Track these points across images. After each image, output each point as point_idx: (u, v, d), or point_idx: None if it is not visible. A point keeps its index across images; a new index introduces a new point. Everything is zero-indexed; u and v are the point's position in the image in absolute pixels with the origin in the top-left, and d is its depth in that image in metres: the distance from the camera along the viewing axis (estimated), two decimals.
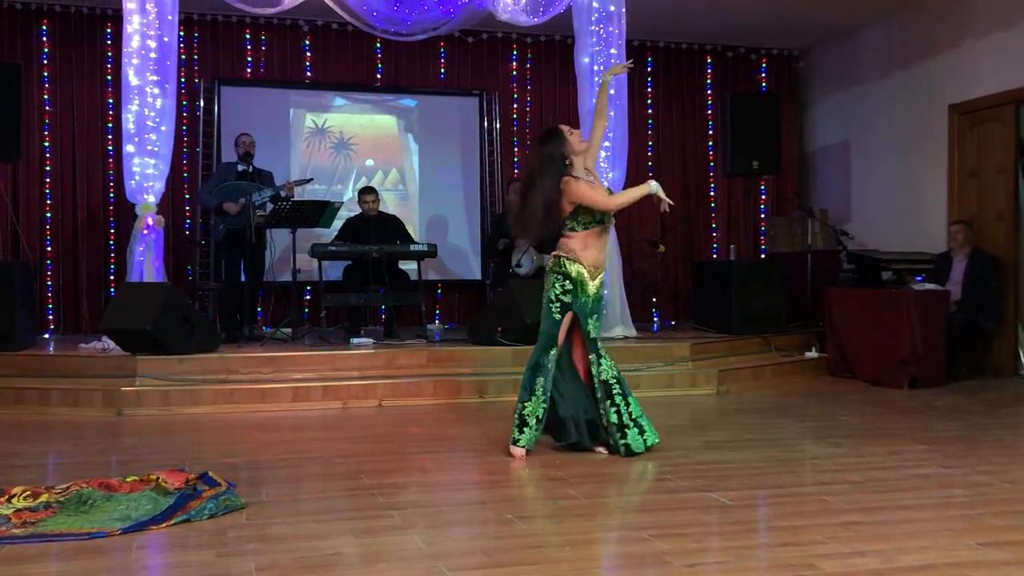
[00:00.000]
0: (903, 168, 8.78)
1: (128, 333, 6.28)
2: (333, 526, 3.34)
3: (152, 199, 6.83)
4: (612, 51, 7.40)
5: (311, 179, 8.17)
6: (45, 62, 8.50)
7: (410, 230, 8.42)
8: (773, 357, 7.61)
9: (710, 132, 10.07)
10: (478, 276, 9.45)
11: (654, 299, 9.44)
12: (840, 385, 7.23)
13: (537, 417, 4.48)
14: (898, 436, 5.06)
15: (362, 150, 9.29)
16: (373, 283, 7.52)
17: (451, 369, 6.61)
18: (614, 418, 4.50)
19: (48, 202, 8.51)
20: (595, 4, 7.37)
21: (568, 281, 4.47)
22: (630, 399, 4.54)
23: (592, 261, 4.51)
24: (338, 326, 8.55)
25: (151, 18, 6.68)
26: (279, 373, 6.34)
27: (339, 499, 3.77)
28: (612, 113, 7.05)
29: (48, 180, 8.51)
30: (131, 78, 6.70)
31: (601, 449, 4.58)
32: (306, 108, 9.20)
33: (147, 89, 6.70)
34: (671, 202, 4.56)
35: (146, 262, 6.79)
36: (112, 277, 8.59)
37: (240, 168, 7.51)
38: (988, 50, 7.79)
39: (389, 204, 9.02)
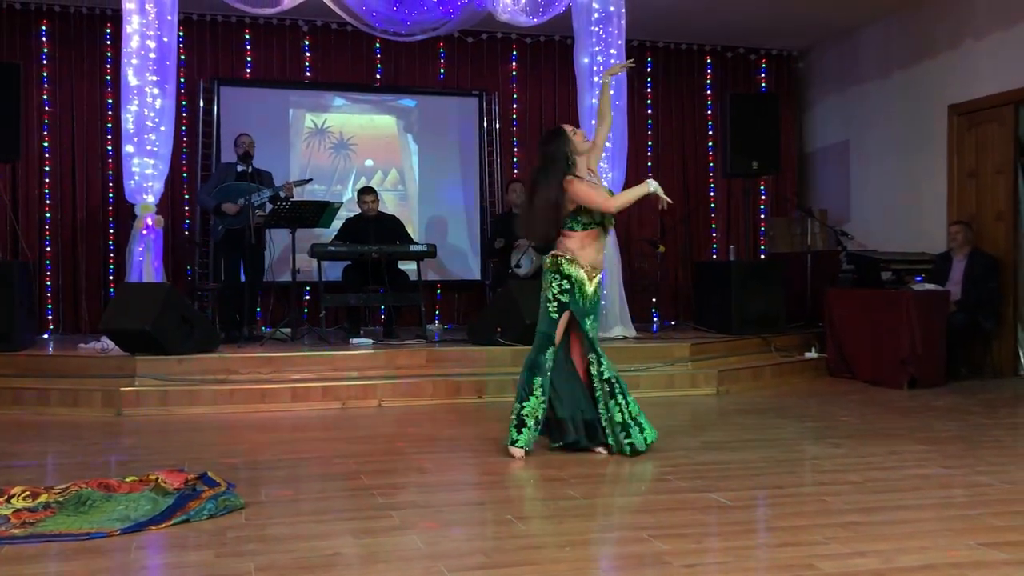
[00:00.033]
0: (903, 168, 8.78)
1: (127, 333, 6.28)
2: (332, 526, 3.34)
3: (151, 199, 6.83)
4: (612, 51, 7.40)
5: (310, 179, 8.17)
6: (44, 62, 8.50)
7: (409, 230, 8.42)
8: (773, 357, 7.61)
9: (710, 132, 10.07)
10: (477, 276, 9.44)
11: (654, 299, 9.44)
12: (840, 385, 7.23)
13: (536, 418, 4.48)
14: (898, 436, 5.06)
15: (361, 150, 9.29)
16: (372, 283, 7.52)
17: (451, 369, 6.61)
18: (619, 417, 4.50)
19: (48, 202, 8.51)
20: (595, 4, 7.37)
21: (566, 281, 4.47)
22: (629, 398, 4.56)
23: (590, 261, 4.51)
24: (337, 326, 8.55)
25: (150, 18, 6.68)
26: (278, 373, 6.34)
27: (338, 499, 3.77)
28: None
29: (48, 180, 8.51)
30: (130, 78, 6.70)
31: (600, 449, 4.58)
32: (305, 108, 9.20)
33: (146, 89, 6.70)
34: (669, 200, 4.55)
35: (145, 262, 6.79)
36: (111, 277, 8.59)
37: (239, 168, 7.51)
38: (988, 50, 7.79)
39: (388, 204, 9.02)
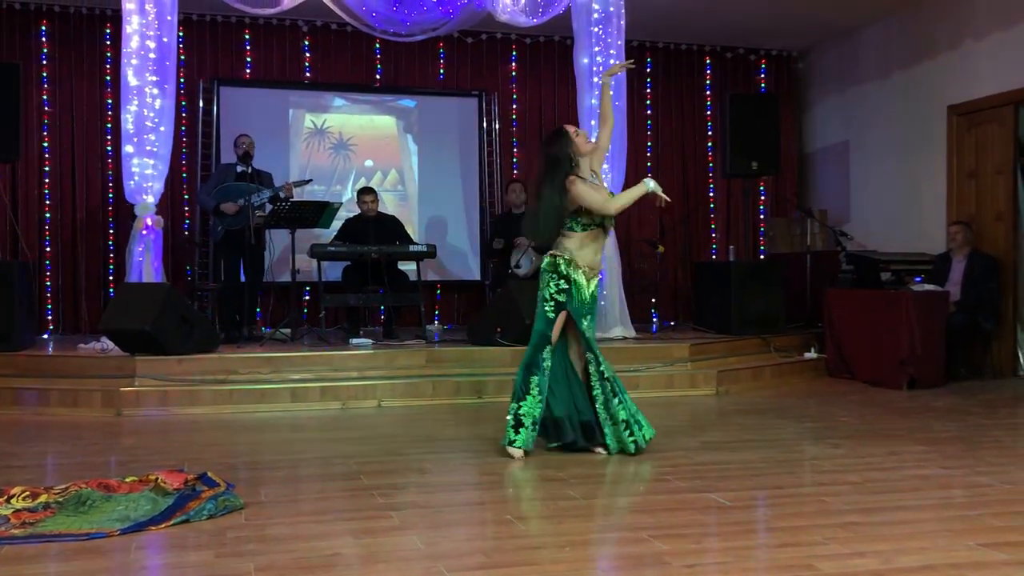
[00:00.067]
0: (902, 169, 8.79)
1: (127, 333, 6.28)
2: (332, 527, 3.34)
3: (151, 199, 6.83)
4: (611, 52, 7.40)
5: (310, 180, 8.17)
6: (44, 63, 8.50)
7: (409, 231, 8.42)
8: (772, 358, 7.61)
9: (709, 133, 10.07)
10: (477, 277, 9.45)
11: (653, 300, 9.45)
12: (839, 386, 7.23)
13: (534, 417, 4.47)
14: (897, 437, 5.06)
15: (361, 151, 9.29)
16: (372, 284, 7.52)
17: (450, 370, 6.61)
18: (623, 415, 4.52)
19: (47, 202, 8.51)
20: (594, 5, 7.37)
21: (563, 281, 4.48)
22: (626, 396, 4.59)
23: (588, 262, 4.52)
24: (337, 327, 8.55)
25: (150, 18, 6.68)
26: (278, 373, 6.34)
27: (338, 500, 3.77)
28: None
29: (47, 180, 8.51)
30: (130, 78, 6.70)
31: (599, 449, 4.58)
32: (305, 109, 9.20)
33: (146, 89, 6.70)
34: (667, 198, 4.56)
35: (145, 262, 6.79)
36: (111, 277, 8.59)
37: (239, 169, 7.50)
38: (987, 51, 7.79)
39: (388, 205, 9.02)
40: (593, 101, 7.36)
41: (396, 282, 7.70)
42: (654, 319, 9.15)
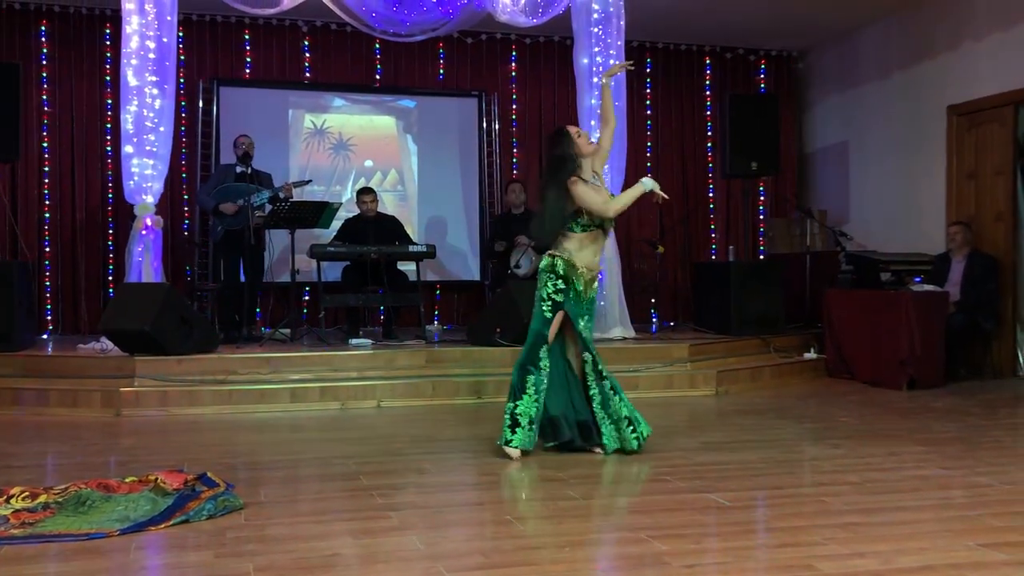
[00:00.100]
0: (902, 169, 8.79)
1: (127, 333, 6.28)
2: (331, 527, 3.34)
3: (151, 200, 6.83)
4: (611, 52, 7.40)
5: (310, 180, 8.17)
6: (44, 63, 8.50)
7: (409, 231, 8.42)
8: (772, 358, 7.61)
9: (709, 133, 10.07)
10: (477, 277, 9.45)
11: (653, 300, 9.44)
12: (839, 386, 7.23)
13: (530, 417, 4.47)
14: (897, 437, 5.06)
15: (361, 151, 9.29)
16: (372, 284, 7.52)
17: (450, 370, 6.61)
18: (624, 411, 4.55)
19: (47, 202, 8.51)
20: (594, 5, 7.37)
21: (561, 281, 4.49)
22: (623, 395, 4.62)
23: (586, 263, 4.52)
24: (337, 327, 8.55)
25: (150, 19, 6.68)
26: (277, 374, 6.34)
27: (337, 500, 3.77)
28: None
29: (47, 180, 8.51)
30: (130, 78, 6.70)
31: (597, 449, 4.58)
32: (305, 109, 9.20)
33: (146, 90, 6.70)
34: (666, 196, 4.59)
35: (145, 263, 6.79)
36: (111, 278, 8.59)
37: (239, 170, 7.50)
38: (987, 51, 7.80)
39: (388, 205, 9.02)
40: (593, 101, 7.37)
41: (396, 282, 7.70)
42: (654, 319, 9.15)
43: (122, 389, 5.92)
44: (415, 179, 9.43)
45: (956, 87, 8.09)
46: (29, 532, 3.20)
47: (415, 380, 6.43)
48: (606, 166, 7.16)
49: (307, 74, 9.17)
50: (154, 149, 6.77)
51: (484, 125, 9.52)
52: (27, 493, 3.57)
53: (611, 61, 7.28)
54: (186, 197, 8.81)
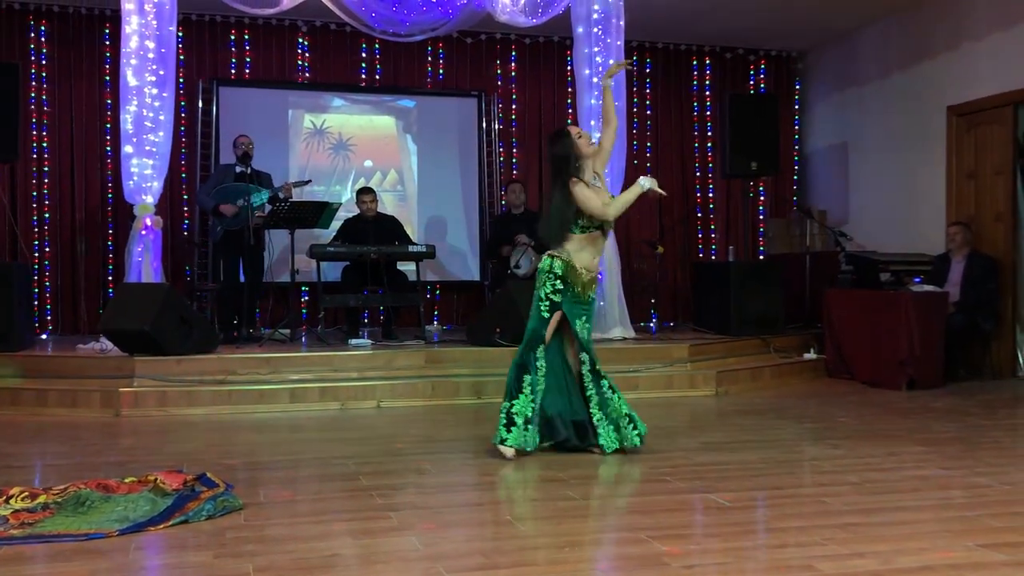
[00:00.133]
0: (901, 169, 8.79)
1: (126, 334, 6.28)
2: (331, 527, 3.34)
3: (150, 200, 6.83)
4: (611, 52, 7.39)
5: (309, 180, 8.17)
6: (44, 62, 8.49)
7: (408, 231, 8.42)
8: (772, 358, 7.61)
9: (709, 133, 10.07)
10: (476, 277, 9.44)
11: (653, 300, 9.44)
12: (838, 386, 7.23)
13: (526, 416, 4.47)
14: (896, 437, 5.06)
15: (360, 151, 9.28)
16: (372, 284, 7.52)
17: (449, 370, 6.61)
18: (624, 408, 4.57)
19: (47, 202, 8.50)
20: (594, 5, 7.37)
21: (559, 281, 4.50)
22: (619, 394, 4.64)
23: (585, 264, 4.53)
24: (336, 327, 8.55)
25: (149, 19, 6.68)
26: (277, 374, 6.33)
27: (337, 500, 3.77)
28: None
29: (47, 181, 8.50)
30: (129, 78, 6.69)
31: (596, 449, 4.58)
32: (304, 109, 9.20)
33: (145, 90, 6.70)
34: (663, 192, 4.62)
35: (144, 263, 6.79)
36: (110, 278, 8.58)
37: (238, 170, 7.49)
38: (987, 52, 7.79)
39: (387, 205, 9.02)
40: (593, 102, 7.37)
41: (395, 282, 7.70)
42: (653, 320, 9.14)
43: (121, 389, 5.92)
44: (415, 179, 9.43)
45: (956, 87, 8.08)
46: (28, 532, 3.20)
47: (415, 380, 6.43)
48: (606, 168, 7.24)
49: (306, 74, 9.17)
50: (154, 149, 6.77)
51: (484, 125, 9.52)
52: (26, 493, 3.57)
53: (610, 61, 7.27)
54: (186, 197, 8.81)
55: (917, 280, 7.41)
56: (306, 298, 8.98)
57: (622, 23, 7.48)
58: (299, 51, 9.13)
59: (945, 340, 7.15)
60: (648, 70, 9.96)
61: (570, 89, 9.19)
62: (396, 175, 9.38)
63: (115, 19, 8.30)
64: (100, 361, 6.37)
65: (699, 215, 10.14)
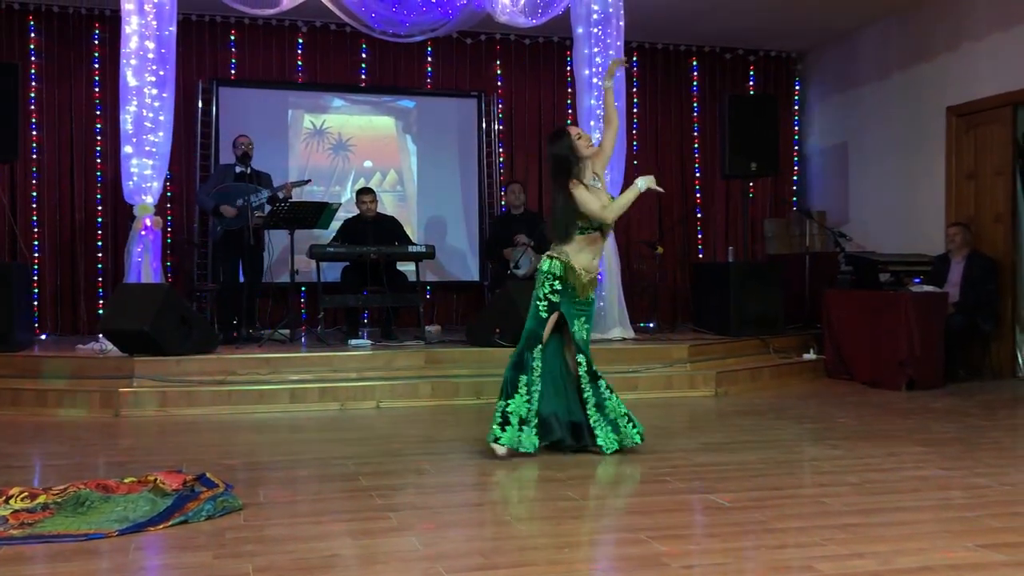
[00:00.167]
0: (901, 170, 8.79)
1: (126, 334, 6.27)
2: (330, 527, 3.34)
3: (150, 200, 6.83)
4: (610, 53, 7.39)
5: (309, 180, 8.17)
6: (40, 63, 8.47)
7: (408, 231, 8.41)
8: (771, 359, 7.61)
9: (708, 134, 10.06)
10: (476, 277, 9.44)
11: (652, 301, 9.43)
12: (838, 387, 7.23)
13: (520, 416, 4.46)
14: (896, 438, 5.06)
15: (360, 151, 9.28)
16: (371, 284, 7.52)
17: (449, 371, 6.60)
18: (622, 408, 4.59)
19: (46, 203, 8.49)
20: (594, 6, 7.36)
21: (558, 282, 4.50)
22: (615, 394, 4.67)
23: (584, 265, 4.54)
24: (336, 327, 8.55)
25: (149, 19, 6.67)
26: (276, 374, 6.33)
27: (336, 500, 3.77)
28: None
29: (47, 181, 8.49)
30: (129, 79, 6.69)
31: (594, 450, 4.58)
32: (304, 109, 9.20)
33: (145, 90, 6.70)
34: (661, 189, 4.64)
35: (144, 263, 6.79)
36: (101, 279, 8.57)
37: (238, 170, 7.49)
38: (986, 52, 7.80)
39: (387, 205, 9.02)
40: (592, 102, 7.37)
41: (395, 283, 7.69)
42: (653, 320, 9.14)
43: (121, 390, 5.92)
44: (414, 179, 9.43)
45: (955, 88, 8.09)
46: (28, 533, 3.20)
47: (414, 381, 6.43)
48: (606, 169, 7.24)
49: (306, 74, 9.17)
50: (153, 150, 6.76)
51: (483, 125, 9.52)
52: (26, 493, 3.57)
53: (609, 62, 7.26)
54: (185, 198, 8.80)
55: (917, 281, 7.41)
56: (305, 299, 8.98)
57: (622, 23, 7.48)
58: (299, 51, 9.13)
59: (945, 341, 7.15)
60: (648, 71, 9.95)
61: (570, 90, 9.19)
62: (396, 175, 9.38)
63: (105, 19, 8.34)
64: (99, 361, 6.36)
65: (699, 215, 10.15)
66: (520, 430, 4.46)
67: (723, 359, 7.36)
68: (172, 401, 5.94)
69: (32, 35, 8.47)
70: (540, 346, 4.54)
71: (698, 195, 10.14)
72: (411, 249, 7.63)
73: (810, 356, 7.83)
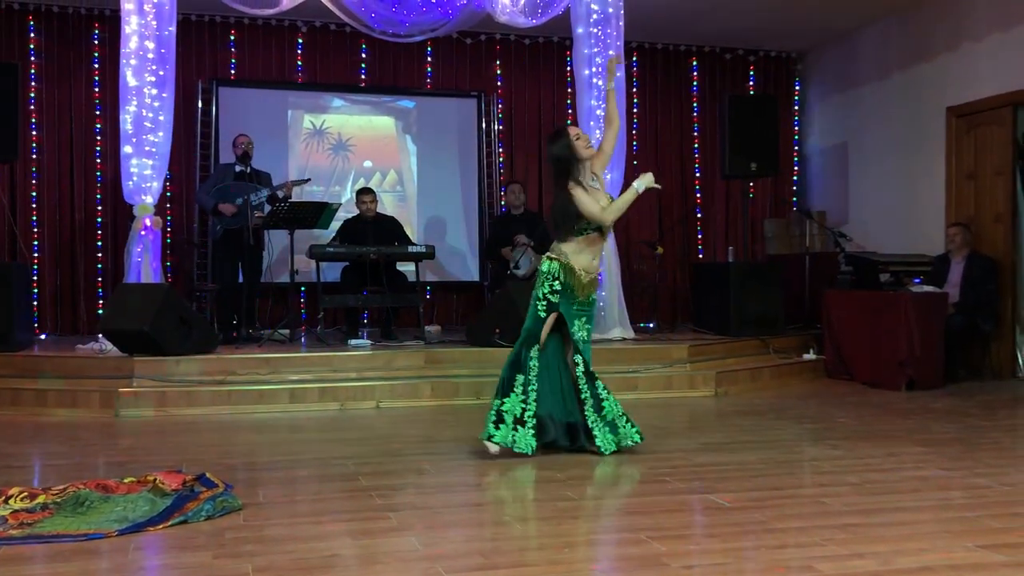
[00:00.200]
0: (901, 170, 8.79)
1: (125, 334, 6.27)
2: (330, 527, 3.34)
3: (150, 200, 6.83)
4: (610, 52, 7.39)
5: (309, 180, 8.17)
6: (40, 62, 8.47)
7: (408, 231, 8.41)
8: (771, 359, 7.61)
9: (707, 134, 10.06)
10: (476, 277, 9.44)
11: (652, 301, 9.43)
12: (838, 387, 7.23)
13: (515, 416, 4.46)
14: (896, 438, 5.06)
15: (360, 151, 9.28)
16: (371, 284, 7.52)
17: (449, 371, 6.60)
18: (620, 408, 4.61)
19: (46, 203, 8.49)
20: (593, 6, 7.36)
21: (557, 283, 4.51)
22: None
23: (584, 265, 4.54)
24: (336, 327, 8.54)
25: (149, 19, 6.67)
26: (276, 374, 6.33)
27: (336, 500, 3.77)
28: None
29: (46, 181, 8.49)
30: (129, 79, 6.69)
31: (592, 450, 4.58)
32: (304, 109, 9.20)
33: (145, 90, 6.69)
34: (659, 186, 4.65)
35: (144, 263, 6.78)
36: (101, 278, 8.57)
37: (238, 169, 7.50)
38: (986, 52, 7.80)
39: (387, 205, 9.02)
40: (593, 102, 7.36)
41: (395, 283, 7.69)
42: (653, 320, 9.14)
43: (121, 389, 5.92)
44: (414, 180, 9.43)
45: (955, 88, 8.09)
46: (27, 533, 3.20)
47: (414, 381, 6.43)
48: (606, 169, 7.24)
49: (306, 74, 9.17)
50: (153, 150, 6.76)
51: (483, 125, 9.52)
52: (25, 493, 3.57)
53: (609, 55, 7.26)
54: (185, 198, 8.80)
55: (917, 281, 7.41)
56: (305, 299, 8.97)
57: (622, 24, 7.48)
58: (299, 51, 9.13)
59: (945, 341, 7.15)
60: (648, 71, 9.95)
61: (570, 90, 9.19)
62: (396, 175, 9.38)
63: (105, 19, 8.33)
64: (99, 361, 6.36)
65: (699, 215, 10.15)
66: (515, 429, 4.46)
67: (723, 359, 7.36)
68: (172, 401, 5.94)
69: (32, 35, 8.48)
70: (537, 346, 4.53)
71: (698, 195, 10.15)
72: (411, 249, 7.63)
73: (810, 356, 7.83)
